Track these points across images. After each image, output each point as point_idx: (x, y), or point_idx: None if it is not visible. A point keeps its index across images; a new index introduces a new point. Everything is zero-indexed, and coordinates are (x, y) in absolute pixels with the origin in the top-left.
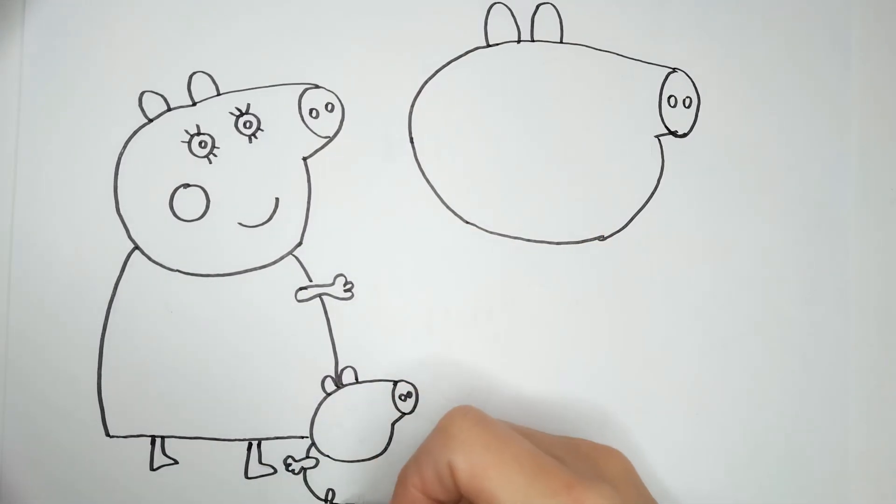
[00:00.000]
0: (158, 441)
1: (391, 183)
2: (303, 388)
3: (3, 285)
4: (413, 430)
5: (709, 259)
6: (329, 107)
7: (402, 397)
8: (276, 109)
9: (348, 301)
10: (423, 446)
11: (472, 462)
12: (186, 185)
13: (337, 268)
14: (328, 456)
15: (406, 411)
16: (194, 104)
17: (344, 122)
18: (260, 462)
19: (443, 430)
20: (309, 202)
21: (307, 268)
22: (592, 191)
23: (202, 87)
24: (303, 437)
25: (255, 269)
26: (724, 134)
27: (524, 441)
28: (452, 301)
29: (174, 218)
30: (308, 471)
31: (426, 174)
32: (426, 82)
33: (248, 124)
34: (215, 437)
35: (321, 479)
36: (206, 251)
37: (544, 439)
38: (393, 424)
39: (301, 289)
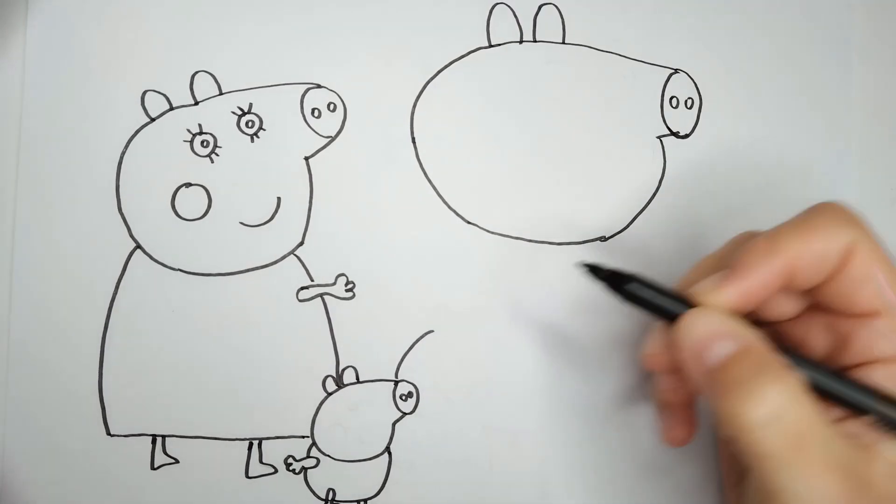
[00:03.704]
0: (159, 440)
1: (393, 183)
2: (304, 387)
3: (5, 284)
4: (414, 430)
5: None
6: (331, 106)
7: (403, 397)
8: (278, 109)
9: (349, 301)
10: (803, 222)
11: (875, 248)
12: (188, 185)
13: (338, 267)
14: (329, 456)
15: (407, 411)
16: (196, 103)
17: (346, 122)
18: (260, 462)
19: (839, 211)
20: (311, 202)
21: (308, 267)
22: (594, 191)
23: (204, 87)
24: (303, 437)
25: (256, 268)
26: (726, 135)
27: None
28: (454, 301)
29: (176, 217)
30: (309, 470)
31: (428, 174)
32: (428, 82)
33: (250, 124)
34: (216, 437)
35: (322, 478)
36: (207, 250)
37: None
38: (394, 424)
39: (302, 288)
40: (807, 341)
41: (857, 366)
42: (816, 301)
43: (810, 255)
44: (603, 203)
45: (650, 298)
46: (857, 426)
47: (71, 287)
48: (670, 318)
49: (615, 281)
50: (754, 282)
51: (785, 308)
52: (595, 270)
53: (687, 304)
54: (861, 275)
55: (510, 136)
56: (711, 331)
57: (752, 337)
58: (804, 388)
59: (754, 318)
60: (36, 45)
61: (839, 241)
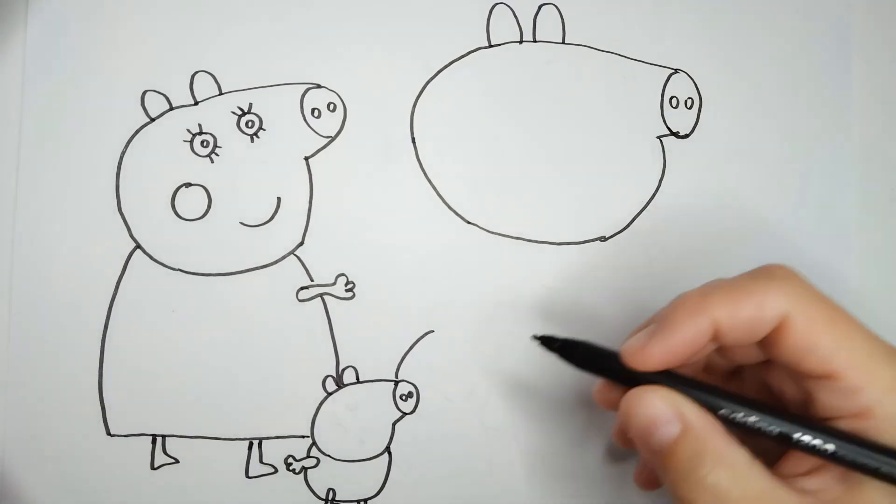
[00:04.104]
0: (159, 440)
1: (393, 183)
2: (304, 387)
3: (5, 284)
4: (414, 430)
5: (709, 259)
6: (331, 106)
7: (403, 397)
8: (278, 109)
9: (349, 301)
10: (739, 285)
11: (814, 315)
12: (188, 185)
13: (338, 267)
14: (329, 455)
15: (407, 411)
16: (196, 103)
17: (346, 122)
18: (261, 461)
19: (778, 277)
20: (310, 202)
21: (308, 267)
22: (594, 191)
23: (204, 87)
24: (303, 437)
25: (256, 268)
26: (726, 135)
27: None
28: (453, 301)
29: (176, 217)
30: (309, 470)
31: (428, 174)
32: (428, 82)
33: (250, 124)
34: (216, 437)
35: (322, 478)
36: (207, 250)
37: None
38: (394, 424)
39: (302, 288)
40: (782, 390)
41: (827, 419)
42: (771, 356)
43: (737, 320)
44: (603, 203)
45: (602, 365)
46: (826, 480)
47: (71, 287)
48: (623, 382)
49: (566, 350)
50: (678, 340)
51: (749, 355)
52: (547, 342)
53: (621, 366)
54: (802, 344)
55: (510, 136)
56: (654, 414)
57: (693, 417)
58: (749, 462)
59: (730, 361)
60: (36, 45)
61: (771, 310)
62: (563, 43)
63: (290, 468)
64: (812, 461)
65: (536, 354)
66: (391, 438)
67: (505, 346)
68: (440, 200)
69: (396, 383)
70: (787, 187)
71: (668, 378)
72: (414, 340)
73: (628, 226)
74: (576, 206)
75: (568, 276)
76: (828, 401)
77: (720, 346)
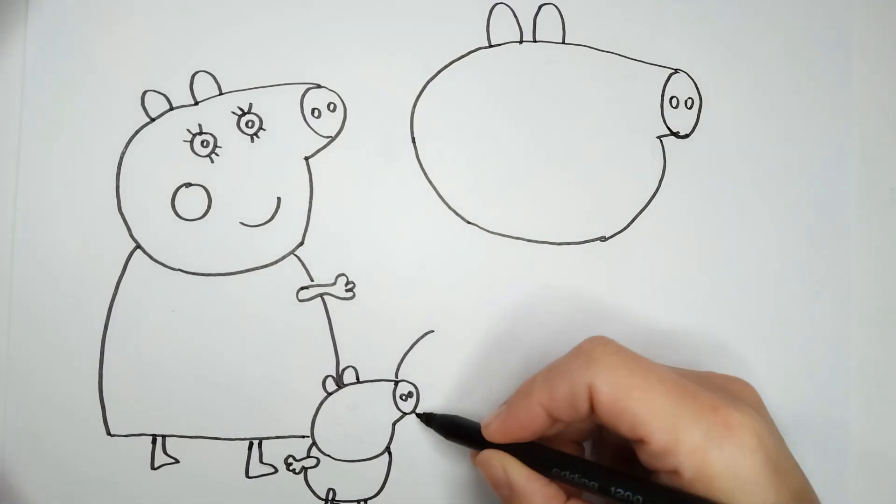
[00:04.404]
0: (159, 440)
1: (393, 183)
2: (304, 387)
3: (5, 284)
4: (414, 430)
5: (709, 259)
6: (331, 106)
7: (403, 397)
8: (278, 109)
9: (350, 301)
10: (556, 366)
11: (615, 384)
12: (188, 185)
13: (338, 268)
14: (329, 455)
15: (407, 411)
16: (196, 103)
17: (346, 122)
18: (261, 461)
19: (584, 353)
20: (311, 202)
21: (308, 267)
22: (594, 191)
23: (204, 87)
24: (304, 437)
25: (256, 268)
26: (726, 135)
27: (665, 368)
28: (453, 301)
29: (176, 217)
30: (309, 470)
31: (428, 174)
32: (428, 82)
33: (250, 124)
34: (216, 437)
35: (322, 478)
36: (207, 250)
37: (677, 370)
38: (394, 424)
39: (302, 288)
40: (630, 454)
41: (651, 473)
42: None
43: (557, 400)
44: (603, 203)
45: (464, 436)
46: None
47: (71, 287)
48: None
49: (441, 426)
50: (514, 422)
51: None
52: (426, 419)
53: (482, 439)
54: (610, 413)
55: (510, 136)
56: (490, 477)
57: (518, 480)
58: None
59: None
60: (36, 45)
61: (579, 385)
62: (563, 43)
63: (290, 468)
64: None
65: (537, 354)
66: (391, 438)
67: (505, 346)
68: (440, 200)
69: (396, 383)
70: (787, 187)
71: (513, 446)
72: (414, 340)
73: (628, 226)
74: (576, 206)
75: (568, 276)
76: (645, 460)
77: (565, 422)
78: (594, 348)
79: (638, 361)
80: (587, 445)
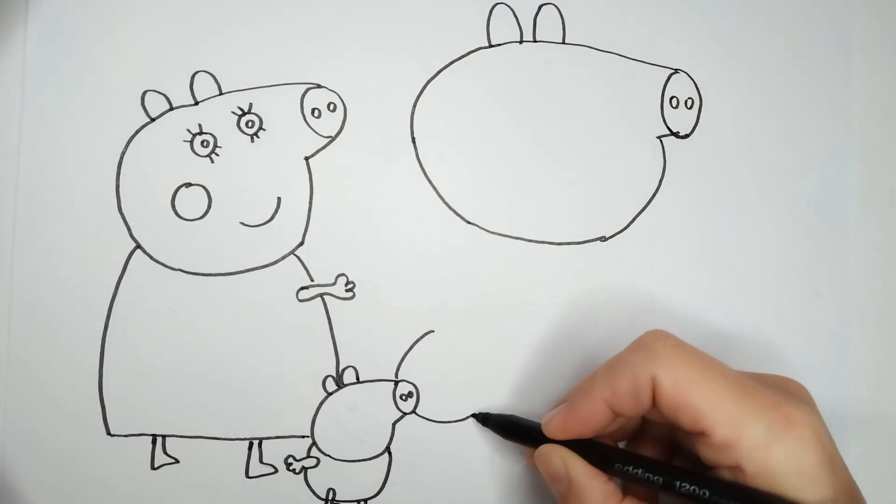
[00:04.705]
0: (159, 440)
1: (393, 183)
2: (304, 387)
3: (5, 284)
4: (414, 430)
5: (709, 259)
6: (331, 106)
7: (403, 397)
8: (278, 109)
9: (350, 301)
10: (616, 360)
11: (678, 377)
12: (188, 185)
13: (338, 268)
14: (329, 455)
15: (407, 411)
16: (196, 103)
17: (346, 122)
18: (261, 461)
19: (645, 346)
20: (311, 202)
21: (308, 267)
22: (594, 191)
23: (204, 87)
24: (304, 437)
25: (256, 268)
26: (726, 135)
27: (724, 364)
28: (454, 301)
29: (176, 217)
30: (309, 470)
31: (428, 174)
32: (428, 82)
33: (250, 124)
34: (216, 437)
35: (322, 478)
36: (207, 250)
37: (734, 369)
38: (394, 424)
39: (302, 288)
40: (687, 448)
41: (712, 468)
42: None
43: (619, 394)
44: (603, 203)
45: (522, 434)
46: None
47: (71, 287)
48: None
49: (499, 425)
50: (577, 418)
51: (661, 421)
52: (482, 419)
53: (542, 435)
54: (672, 405)
55: (510, 136)
56: (550, 471)
57: (578, 475)
58: None
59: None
60: (36, 45)
61: (641, 378)
62: (564, 43)
63: (290, 468)
64: None
65: (536, 354)
66: (391, 438)
67: (504, 346)
68: (440, 200)
69: (396, 383)
70: (787, 187)
71: (574, 441)
72: (414, 340)
73: (628, 226)
74: (576, 206)
75: (568, 276)
76: (706, 454)
77: (628, 416)
78: (655, 341)
79: (698, 355)
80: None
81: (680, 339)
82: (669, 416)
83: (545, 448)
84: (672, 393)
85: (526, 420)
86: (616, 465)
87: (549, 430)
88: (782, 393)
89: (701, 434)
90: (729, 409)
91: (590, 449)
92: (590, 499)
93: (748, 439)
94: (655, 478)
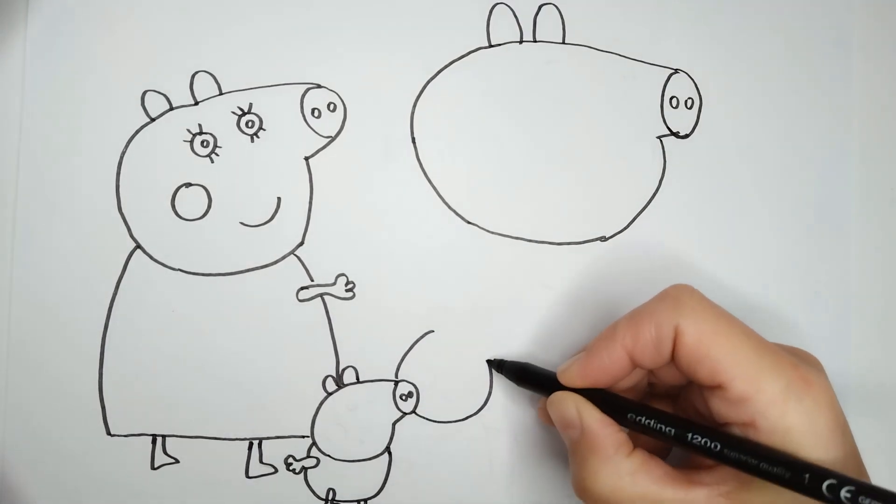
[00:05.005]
0: (159, 440)
1: (393, 183)
2: (304, 387)
3: (5, 284)
4: (414, 430)
5: (709, 259)
6: (331, 106)
7: (403, 397)
8: (278, 109)
9: (350, 301)
10: (641, 310)
11: (702, 328)
12: (188, 185)
13: (338, 267)
14: (329, 455)
15: (407, 411)
16: (196, 103)
17: (346, 122)
18: (261, 461)
19: (671, 297)
20: (311, 202)
21: (308, 267)
22: (594, 191)
23: (204, 87)
24: (303, 437)
25: (256, 268)
26: (726, 135)
27: (746, 324)
28: (453, 301)
29: (176, 217)
30: (309, 470)
31: (428, 174)
32: (428, 82)
33: (250, 124)
34: (216, 437)
35: (322, 478)
36: (207, 250)
37: None
38: (394, 424)
39: (302, 288)
40: (695, 404)
41: (723, 425)
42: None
43: (641, 342)
44: (603, 203)
45: (535, 382)
46: (723, 475)
47: (71, 287)
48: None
49: (513, 372)
50: (597, 366)
51: (671, 377)
52: (496, 365)
53: (557, 384)
54: (692, 356)
55: (510, 136)
56: (563, 417)
57: (591, 423)
58: (633, 469)
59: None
60: (36, 45)
61: (665, 327)
62: (564, 43)
63: (290, 468)
64: None
65: (536, 354)
66: (391, 438)
67: (504, 346)
68: (440, 200)
69: (396, 383)
70: (787, 187)
71: (588, 391)
72: (414, 340)
73: (628, 226)
74: (576, 206)
75: (568, 276)
76: (720, 409)
77: (644, 367)
78: (681, 293)
79: (723, 311)
80: None
81: (704, 294)
82: (687, 367)
83: (559, 394)
84: (694, 343)
85: (541, 368)
86: (629, 416)
87: (565, 378)
88: (800, 357)
89: (717, 387)
90: (749, 364)
91: (603, 398)
92: (602, 446)
93: (766, 394)
94: (668, 429)
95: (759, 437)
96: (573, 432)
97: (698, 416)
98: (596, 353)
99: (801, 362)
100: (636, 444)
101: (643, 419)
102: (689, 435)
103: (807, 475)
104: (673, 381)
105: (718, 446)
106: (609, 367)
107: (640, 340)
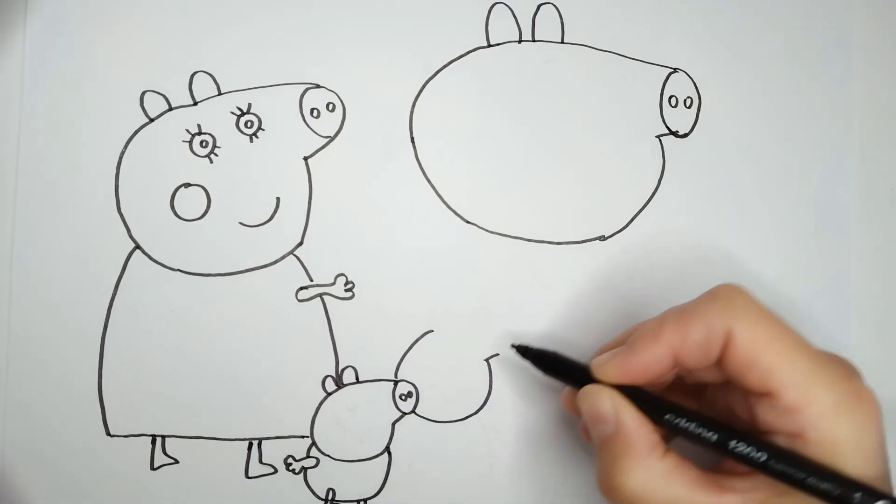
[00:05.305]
0: (159, 440)
1: (392, 183)
2: (303, 387)
3: (5, 284)
4: (413, 430)
5: (709, 259)
6: (330, 106)
7: (403, 397)
8: (277, 109)
9: (349, 301)
10: (690, 309)
11: (756, 333)
12: (187, 185)
13: (338, 267)
14: (328, 455)
15: (406, 411)
16: (195, 104)
17: (345, 122)
18: (260, 462)
19: (722, 298)
20: (310, 202)
21: (308, 267)
22: (593, 191)
23: (203, 87)
24: (303, 437)
25: (255, 268)
26: (725, 134)
27: (796, 331)
28: (453, 301)
29: (175, 217)
30: (308, 470)
31: (427, 174)
32: (427, 82)
33: (249, 124)
34: (216, 437)
35: (321, 478)
36: (206, 251)
37: None
38: (393, 424)
39: (302, 288)
40: (733, 408)
41: (766, 433)
42: (725, 375)
43: (689, 343)
44: (602, 202)
45: (572, 376)
46: (758, 483)
47: (70, 287)
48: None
49: (540, 360)
50: (638, 363)
51: (707, 376)
52: (523, 351)
53: (587, 377)
54: (744, 361)
55: (509, 135)
56: (597, 411)
57: (627, 420)
58: (666, 471)
59: (686, 380)
60: (36, 45)
61: (717, 329)
62: (563, 42)
63: (290, 468)
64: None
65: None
66: (391, 438)
67: (504, 346)
68: (440, 200)
69: (396, 383)
70: (786, 187)
71: (623, 387)
72: (413, 340)
73: (628, 225)
74: (575, 206)
75: (568, 276)
76: (767, 417)
77: (686, 368)
78: (733, 294)
79: (775, 317)
80: None
81: (754, 296)
82: (736, 372)
83: (594, 387)
84: (746, 349)
85: (571, 358)
86: (667, 417)
87: (602, 373)
88: (848, 368)
89: (767, 395)
90: (802, 374)
91: (639, 396)
92: (636, 446)
93: (818, 407)
94: (710, 434)
95: (807, 449)
96: (606, 427)
97: (730, 417)
98: (639, 351)
99: (852, 374)
100: (669, 449)
101: (682, 422)
102: (733, 442)
103: (858, 494)
104: (709, 380)
105: (764, 457)
106: (652, 366)
107: (687, 341)
